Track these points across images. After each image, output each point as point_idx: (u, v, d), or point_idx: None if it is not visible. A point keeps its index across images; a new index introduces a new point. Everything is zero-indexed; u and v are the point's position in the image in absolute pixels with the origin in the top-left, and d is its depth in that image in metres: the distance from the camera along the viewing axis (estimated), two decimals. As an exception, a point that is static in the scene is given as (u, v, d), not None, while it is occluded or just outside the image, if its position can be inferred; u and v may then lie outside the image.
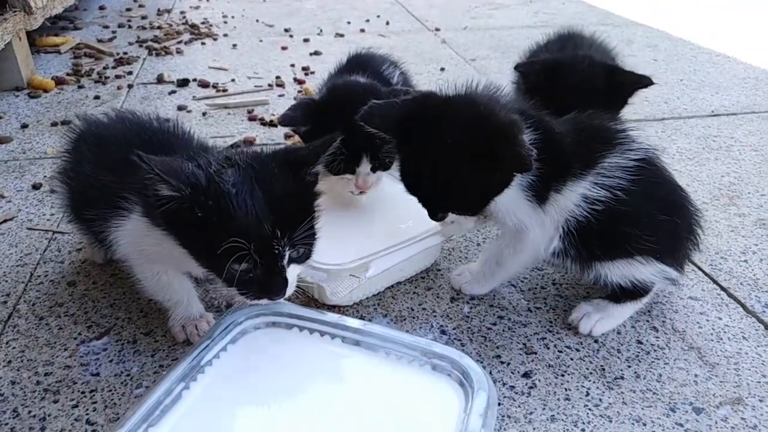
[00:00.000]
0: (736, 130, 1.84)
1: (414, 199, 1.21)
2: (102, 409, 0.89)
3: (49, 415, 0.88)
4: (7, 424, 0.86)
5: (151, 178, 0.73)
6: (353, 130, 1.02)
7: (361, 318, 1.04)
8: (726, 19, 3.13)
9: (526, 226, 0.96)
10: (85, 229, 1.04)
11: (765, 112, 1.98)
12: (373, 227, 1.15)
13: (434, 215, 0.97)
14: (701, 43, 2.66)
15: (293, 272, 0.80)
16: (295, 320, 0.83)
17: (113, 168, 0.92)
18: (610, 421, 0.89)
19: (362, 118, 0.93)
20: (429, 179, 0.92)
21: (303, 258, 0.82)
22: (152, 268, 0.95)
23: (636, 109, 1.85)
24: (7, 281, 1.14)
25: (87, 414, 0.88)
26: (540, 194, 0.93)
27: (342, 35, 2.68)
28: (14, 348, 1.00)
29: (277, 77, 2.15)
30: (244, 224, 0.73)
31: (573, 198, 0.94)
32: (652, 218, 0.99)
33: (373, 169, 1.11)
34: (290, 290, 0.80)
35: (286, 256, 0.77)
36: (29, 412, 0.88)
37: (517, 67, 1.30)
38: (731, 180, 1.55)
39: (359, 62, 1.34)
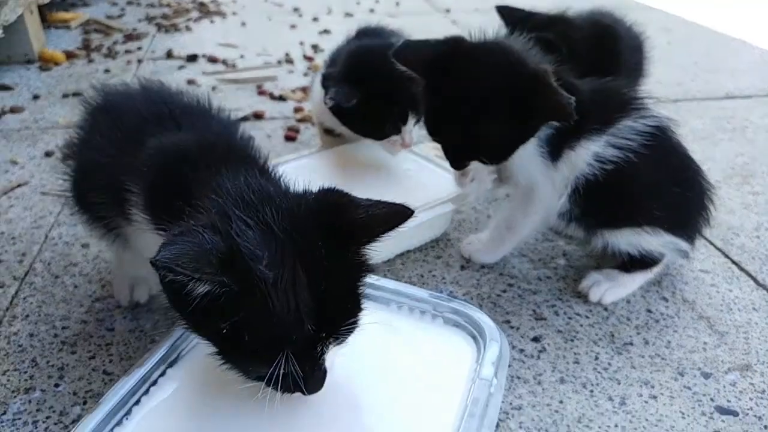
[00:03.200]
0: (750, 112, 1.84)
1: (426, 169, 1.22)
2: (118, 360, 0.90)
3: (67, 365, 0.89)
4: (26, 372, 0.88)
5: (173, 277, 0.55)
6: (397, 91, 1.03)
7: (373, 282, 1.05)
8: (742, 4, 3.10)
9: (537, 183, 0.97)
10: (90, 218, 0.89)
11: (779, 95, 1.97)
12: (387, 189, 1.16)
13: (457, 163, 0.96)
14: (716, 28, 2.64)
15: (333, 355, 0.65)
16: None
17: (119, 146, 0.78)
18: (619, 384, 0.89)
19: (395, 54, 0.92)
20: (457, 123, 0.91)
21: (343, 341, 0.65)
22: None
23: (648, 90, 1.84)
24: (22, 242, 1.16)
25: (104, 365, 0.89)
26: (554, 150, 0.93)
27: (351, 15, 2.67)
28: (31, 303, 1.01)
29: (286, 54, 2.15)
30: (284, 325, 0.57)
31: (585, 156, 0.94)
32: (661, 188, 0.99)
33: (415, 123, 1.14)
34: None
35: (328, 352, 0.63)
36: (48, 362, 0.90)
37: (498, 8, 1.31)
38: (745, 160, 1.55)
39: (369, 35, 1.34)
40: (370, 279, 0.82)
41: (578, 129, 0.94)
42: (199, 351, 0.74)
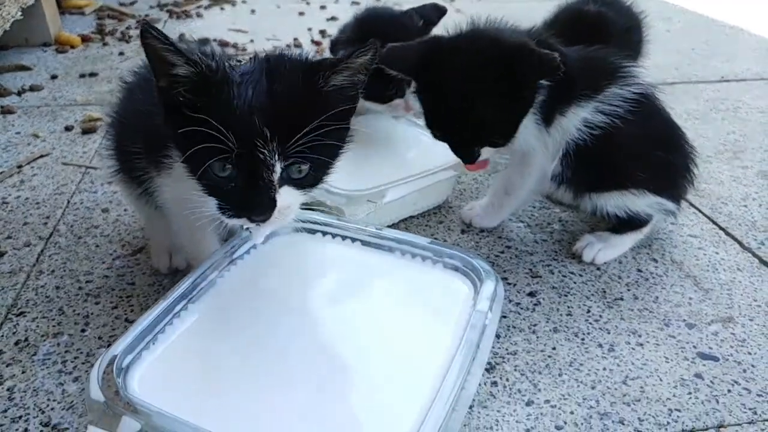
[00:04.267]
0: (744, 94, 1.89)
1: (429, 140, 1.27)
2: (138, 310, 0.96)
3: (91, 314, 0.96)
4: (54, 319, 0.95)
5: (165, 54, 0.63)
6: None
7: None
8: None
9: (533, 148, 1.02)
10: (131, 181, 0.95)
11: (773, 79, 2.02)
12: (389, 160, 1.22)
13: (468, 156, 1.00)
14: (715, 16, 2.69)
15: (288, 196, 0.67)
16: (318, 226, 0.90)
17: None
18: (608, 333, 0.95)
19: (383, 61, 0.98)
20: (456, 116, 0.96)
21: (306, 182, 0.69)
22: (189, 222, 0.83)
23: (645, 74, 1.89)
24: (46, 206, 1.22)
25: (125, 314, 0.96)
26: (547, 117, 0.99)
27: (358, 3, 2.72)
28: (56, 260, 1.07)
29: (295, 39, 2.21)
30: (234, 116, 0.62)
31: (575, 121, 1.00)
32: (646, 151, 1.05)
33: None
34: (281, 217, 0.68)
35: (277, 169, 0.65)
36: (74, 310, 0.96)
37: None
38: (736, 137, 1.60)
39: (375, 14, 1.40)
40: (378, 230, 0.89)
41: (568, 96, 1.00)
42: (217, 290, 0.81)
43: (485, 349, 0.70)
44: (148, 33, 0.62)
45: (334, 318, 0.78)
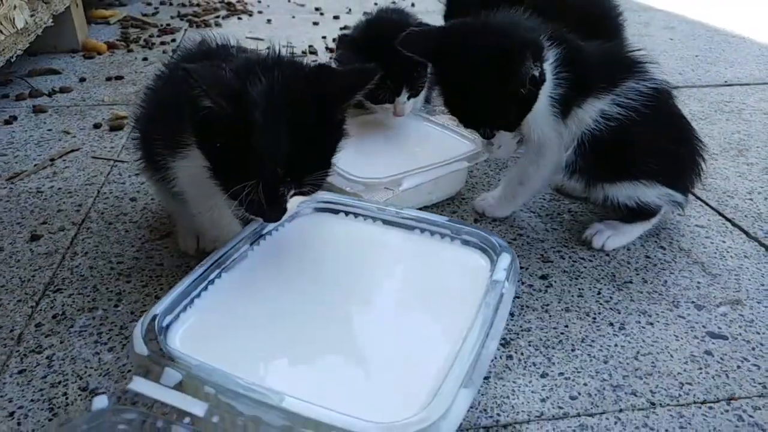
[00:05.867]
0: (748, 97, 1.93)
1: (442, 134, 1.33)
2: (167, 288, 0.98)
3: (123, 291, 1.01)
4: (89, 296, 0.99)
5: (193, 88, 0.71)
6: (395, 64, 1.15)
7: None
8: (742, 2, 3.19)
9: (548, 138, 1.07)
10: (154, 169, 1.01)
11: (777, 84, 2.07)
12: (405, 152, 1.27)
13: (483, 134, 1.07)
14: (717, 25, 2.73)
15: (295, 201, 0.80)
16: (340, 206, 0.95)
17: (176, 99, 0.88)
18: (619, 313, 0.99)
19: (401, 43, 1.04)
20: (465, 101, 1.03)
21: (309, 192, 0.81)
22: (206, 204, 0.94)
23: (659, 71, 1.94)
24: (78, 195, 1.28)
25: (155, 291, 1.01)
26: (564, 109, 1.04)
27: (370, 13, 2.80)
28: (89, 243, 1.13)
29: (310, 46, 2.27)
30: (259, 164, 0.72)
31: (592, 113, 1.04)
32: (658, 143, 1.09)
33: (408, 98, 1.24)
34: (288, 214, 0.80)
35: (291, 193, 0.77)
36: (107, 288, 1.01)
37: None
38: (741, 137, 1.64)
39: (389, 13, 1.46)
40: (398, 210, 0.94)
41: (587, 88, 1.05)
42: (247, 261, 0.85)
43: (503, 314, 0.74)
44: (189, 77, 0.71)
45: (358, 286, 0.82)
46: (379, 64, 1.18)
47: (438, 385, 0.61)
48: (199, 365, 0.64)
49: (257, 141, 0.71)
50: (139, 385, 0.62)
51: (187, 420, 0.58)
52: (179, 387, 0.63)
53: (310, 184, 0.78)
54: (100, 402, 0.60)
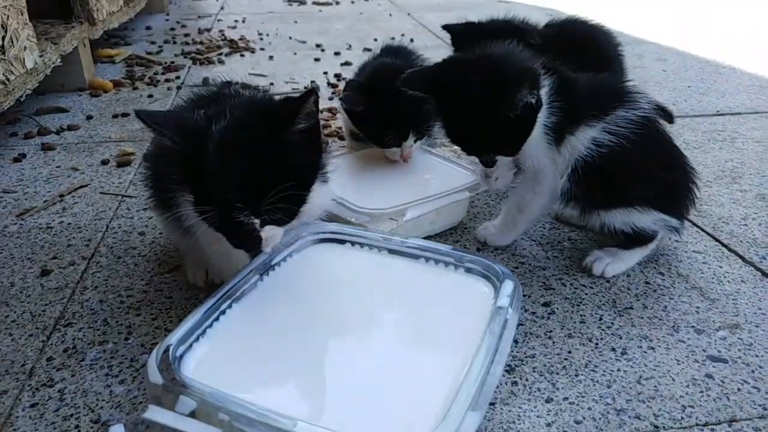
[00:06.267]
0: (740, 126, 1.97)
1: (443, 166, 1.37)
2: (177, 321, 1.02)
3: (133, 324, 1.02)
4: (99, 329, 1.01)
5: (153, 130, 0.81)
6: (401, 109, 1.19)
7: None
8: (732, 35, 3.27)
9: (543, 166, 1.10)
10: (164, 206, 1.03)
11: (768, 112, 2.11)
12: (409, 183, 1.30)
13: (484, 161, 1.11)
14: (708, 56, 2.80)
15: (271, 230, 0.82)
16: (347, 237, 0.97)
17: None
18: (620, 338, 1.01)
19: (402, 84, 1.09)
20: (465, 130, 1.08)
21: (283, 221, 0.83)
22: (213, 236, 0.92)
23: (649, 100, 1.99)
24: (87, 230, 1.30)
25: (165, 324, 1.03)
26: (557, 136, 1.07)
27: (369, 49, 2.85)
28: (99, 277, 1.15)
29: (312, 82, 2.33)
30: (211, 191, 0.78)
31: (584, 140, 1.08)
32: (649, 170, 1.12)
33: (415, 141, 1.30)
34: (271, 244, 0.83)
35: (256, 221, 0.80)
36: (117, 321, 1.03)
37: (444, 27, 1.49)
38: (734, 165, 1.68)
39: (392, 51, 1.51)
40: (403, 239, 0.97)
41: (579, 116, 1.09)
42: (257, 292, 0.88)
43: (507, 339, 0.76)
44: (139, 117, 0.80)
45: (365, 314, 0.84)
46: (386, 109, 1.24)
47: (446, 409, 0.63)
48: (213, 393, 0.65)
49: (208, 170, 0.77)
50: (155, 413, 0.63)
51: (202, 446, 0.60)
52: (194, 414, 0.64)
53: (271, 209, 0.80)
54: (117, 430, 0.62)
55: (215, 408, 0.63)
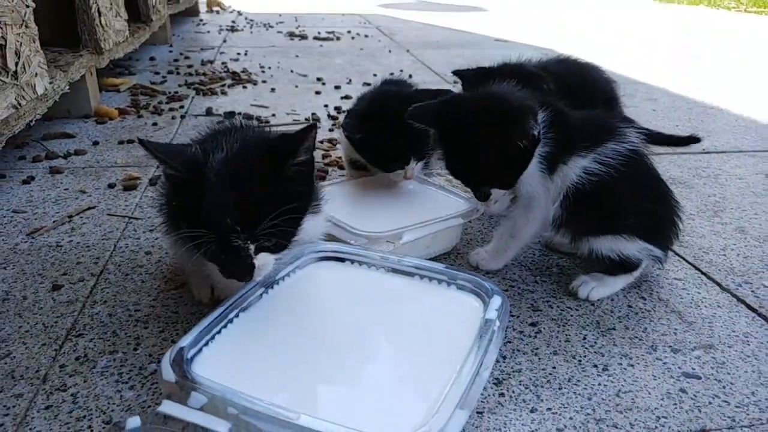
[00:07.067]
0: (723, 164, 2.06)
1: (437, 194, 1.44)
2: (183, 334, 1.04)
3: (141, 336, 1.08)
4: (109, 340, 1.07)
5: (156, 158, 0.86)
6: (402, 137, 1.27)
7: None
8: (720, 76, 3.40)
9: (537, 194, 1.18)
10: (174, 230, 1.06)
11: (751, 151, 2.20)
12: (405, 209, 1.37)
13: (480, 194, 1.18)
14: (696, 97, 2.92)
15: (264, 258, 0.87)
16: (347, 255, 1.04)
17: None
18: (602, 356, 1.07)
19: (409, 116, 1.17)
20: (461, 165, 1.15)
21: (276, 248, 0.88)
22: None
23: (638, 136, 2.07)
24: (96, 249, 1.36)
25: (172, 336, 1.08)
26: (551, 165, 1.15)
27: (369, 84, 2.97)
28: (108, 293, 1.20)
29: (313, 114, 2.42)
30: (209, 217, 0.81)
31: (576, 169, 1.15)
32: (636, 201, 1.20)
33: (416, 162, 1.36)
34: (262, 273, 0.88)
35: (251, 248, 0.85)
36: (126, 333, 1.09)
37: (455, 72, 1.55)
38: (717, 199, 1.76)
39: (391, 83, 1.60)
40: (400, 258, 1.03)
41: (571, 147, 1.17)
42: (263, 303, 0.94)
43: (494, 348, 0.82)
44: (143, 145, 0.86)
45: (363, 324, 0.91)
46: (387, 135, 1.32)
47: (436, 407, 0.68)
48: (223, 388, 0.71)
49: (207, 196, 0.82)
50: (169, 407, 0.69)
51: (213, 436, 0.65)
52: (204, 409, 0.70)
53: (267, 236, 0.85)
54: (134, 422, 0.67)
55: (224, 403, 0.69)
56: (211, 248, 0.84)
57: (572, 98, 1.23)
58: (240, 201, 0.82)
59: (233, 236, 0.82)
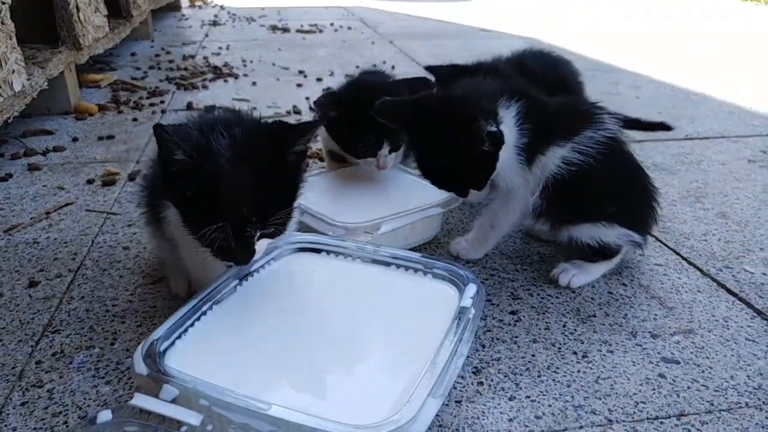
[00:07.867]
0: (706, 150, 2.07)
1: (416, 184, 1.43)
2: None
3: (118, 331, 1.07)
4: (86, 335, 1.06)
5: (167, 143, 0.82)
6: (375, 122, 1.26)
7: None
8: (704, 63, 3.41)
9: (516, 185, 1.17)
10: (154, 221, 1.08)
11: (734, 137, 2.21)
12: (383, 199, 1.36)
13: (458, 193, 1.18)
14: (680, 84, 2.92)
15: (262, 243, 0.88)
16: (323, 246, 1.03)
17: None
18: (582, 343, 1.07)
19: (376, 111, 1.16)
20: (435, 166, 1.15)
21: (275, 234, 0.90)
22: (193, 247, 0.95)
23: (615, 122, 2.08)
24: (74, 245, 1.35)
25: (149, 331, 1.05)
26: (529, 157, 1.14)
27: (351, 76, 2.95)
28: (85, 288, 1.19)
29: (294, 106, 2.40)
30: (227, 206, 0.82)
31: (554, 159, 1.15)
32: (615, 188, 1.20)
33: (390, 152, 1.34)
34: (257, 256, 0.88)
35: (257, 234, 0.86)
36: (103, 328, 1.07)
37: (427, 68, 1.54)
38: (699, 185, 1.76)
39: (369, 73, 1.60)
40: (376, 248, 1.03)
41: (549, 137, 1.16)
42: (237, 296, 0.93)
43: (469, 336, 0.82)
44: (164, 133, 0.82)
45: (338, 314, 0.90)
46: (360, 116, 1.30)
47: (409, 394, 0.68)
48: (194, 380, 0.71)
49: (225, 186, 0.82)
50: (141, 400, 0.68)
51: (184, 429, 0.65)
52: (176, 401, 0.69)
53: (274, 224, 0.87)
54: (105, 416, 0.66)
55: (196, 394, 0.68)
56: (218, 235, 0.83)
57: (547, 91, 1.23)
58: (256, 191, 0.83)
59: (248, 226, 0.84)
